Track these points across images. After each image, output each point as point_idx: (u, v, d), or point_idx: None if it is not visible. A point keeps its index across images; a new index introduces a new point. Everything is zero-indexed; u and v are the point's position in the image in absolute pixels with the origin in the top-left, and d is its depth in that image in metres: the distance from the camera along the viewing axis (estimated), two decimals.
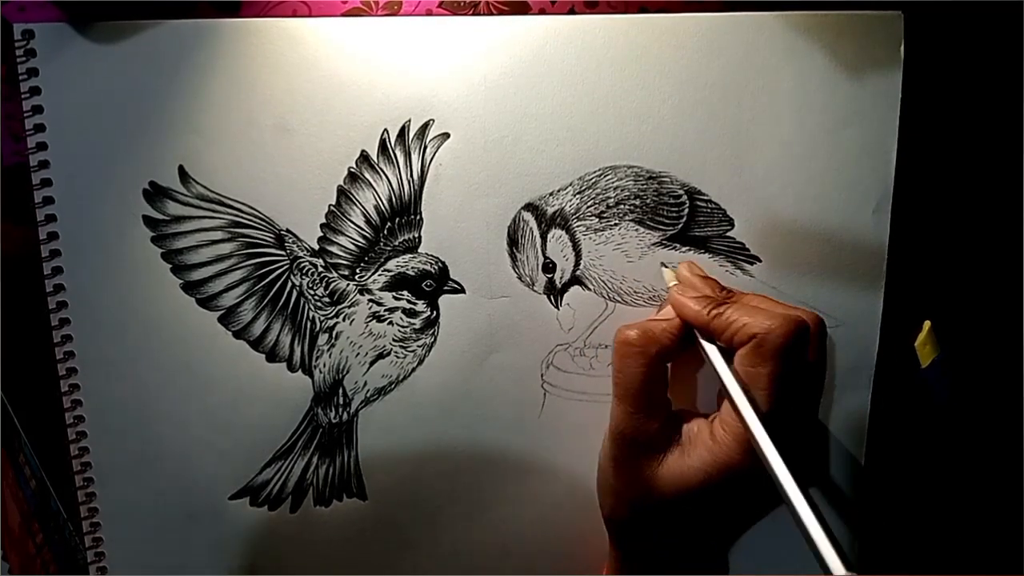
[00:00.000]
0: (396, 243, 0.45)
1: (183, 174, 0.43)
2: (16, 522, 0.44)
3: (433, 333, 0.45)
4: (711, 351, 0.39)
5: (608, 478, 0.41)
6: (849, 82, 0.43)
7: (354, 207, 0.44)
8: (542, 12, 0.44)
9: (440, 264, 0.45)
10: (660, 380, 0.40)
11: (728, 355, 0.38)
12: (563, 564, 0.47)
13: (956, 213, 0.46)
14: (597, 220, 0.44)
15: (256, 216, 0.44)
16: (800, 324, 0.37)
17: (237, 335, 0.45)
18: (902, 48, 0.42)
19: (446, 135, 0.43)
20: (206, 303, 0.44)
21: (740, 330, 0.37)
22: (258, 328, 0.45)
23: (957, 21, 0.44)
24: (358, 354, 0.45)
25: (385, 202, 0.44)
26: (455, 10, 0.44)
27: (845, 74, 0.43)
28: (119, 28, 0.42)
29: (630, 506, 0.41)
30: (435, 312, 0.45)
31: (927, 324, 0.45)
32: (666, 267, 0.44)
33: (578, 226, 0.44)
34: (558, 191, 0.44)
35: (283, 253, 0.44)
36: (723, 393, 0.37)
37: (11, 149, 0.44)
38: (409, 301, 0.45)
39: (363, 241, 0.44)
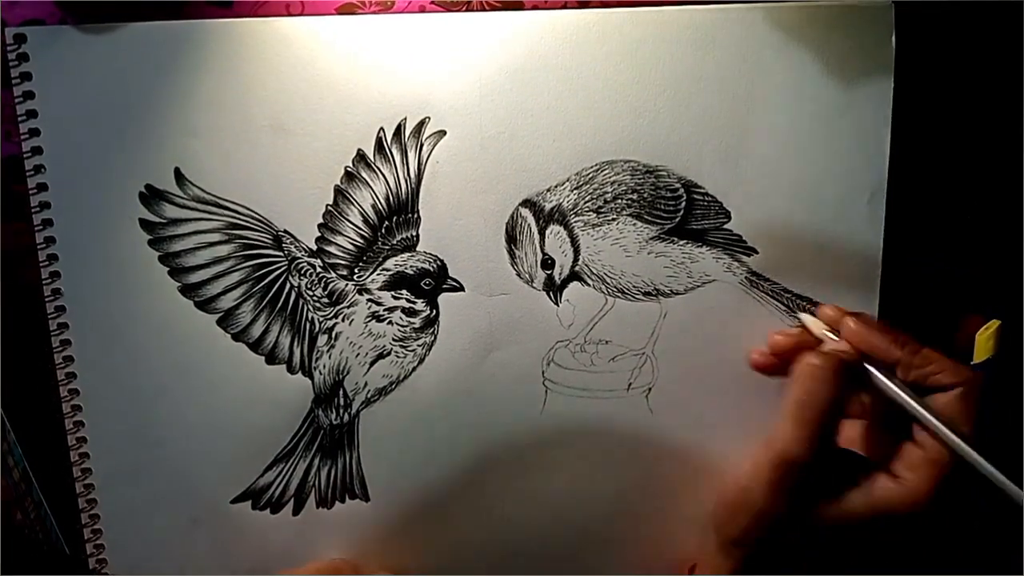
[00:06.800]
0: (394, 242, 0.44)
1: (179, 176, 0.43)
2: None
3: (433, 332, 0.45)
4: (900, 390, 0.40)
5: (755, 502, 0.40)
6: (842, 73, 0.43)
7: (351, 207, 0.44)
8: (535, 8, 0.44)
9: (439, 262, 0.45)
10: (840, 408, 0.40)
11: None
12: (567, 562, 0.47)
13: (951, 202, 0.46)
14: (595, 215, 0.44)
15: (253, 217, 0.44)
16: None
17: (236, 337, 0.44)
18: (893, 38, 0.43)
19: (442, 132, 0.43)
20: (205, 305, 0.44)
21: (944, 370, 0.39)
22: (257, 330, 0.45)
23: (947, 10, 0.44)
24: (358, 354, 0.45)
25: (383, 201, 0.44)
26: (448, 7, 0.44)
27: (838, 65, 0.43)
28: (112, 30, 0.42)
29: (773, 529, 0.40)
30: (434, 311, 0.45)
31: (996, 323, 0.45)
32: (804, 315, 0.44)
33: (576, 221, 0.44)
34: (555, 187, 0.44)
35: (281, 254, 0.44)
36: (927, 428, 0.39)
37: (4, 151, 0.43)
38: (408, 300, 0.45)
39: (361, 241, 0.44)
